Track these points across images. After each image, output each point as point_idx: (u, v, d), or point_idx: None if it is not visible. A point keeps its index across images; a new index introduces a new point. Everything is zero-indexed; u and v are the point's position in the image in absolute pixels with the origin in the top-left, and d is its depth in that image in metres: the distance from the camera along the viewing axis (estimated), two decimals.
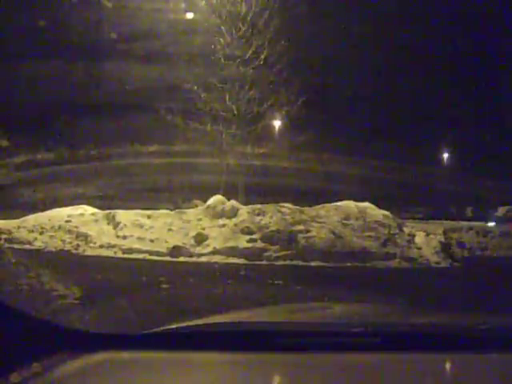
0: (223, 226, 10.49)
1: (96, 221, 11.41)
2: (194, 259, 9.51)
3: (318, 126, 21.94)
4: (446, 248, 11.07)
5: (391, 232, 11.02)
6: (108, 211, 11.95)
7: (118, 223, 10.81)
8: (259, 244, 9.87)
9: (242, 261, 9.38)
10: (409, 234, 11.45)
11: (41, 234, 10.84)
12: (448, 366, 1.48)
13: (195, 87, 17.17)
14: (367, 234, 10.74)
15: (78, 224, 11.10)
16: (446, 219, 24.15)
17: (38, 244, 10.42)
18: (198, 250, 9.78)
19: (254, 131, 18.68)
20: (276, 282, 7.13)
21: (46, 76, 18.17)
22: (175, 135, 19.00)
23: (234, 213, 11.03)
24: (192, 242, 10.00)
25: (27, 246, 10.29)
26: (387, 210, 12.41)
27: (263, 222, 10.47)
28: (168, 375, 1.31)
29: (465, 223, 18.37)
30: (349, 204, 12.38)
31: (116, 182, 19.59)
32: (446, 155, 36.77)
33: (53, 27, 17.59)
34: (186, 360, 1.37)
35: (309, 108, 18.95)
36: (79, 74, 19.38)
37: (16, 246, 10.14)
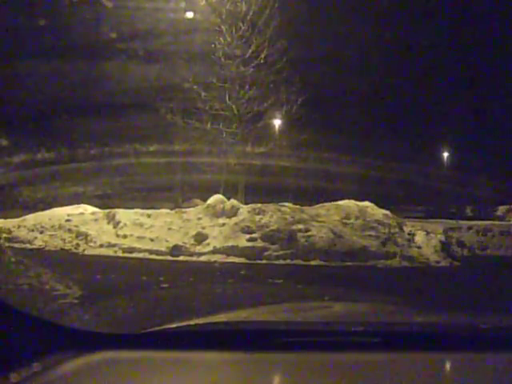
0: (223, 225, 10.49)
1: (96, 220, 11.41)
2: (194, 258, 9.51)
3: (317, 125, 21.96)
4: (445, 247, 11.07)
5: (391, 231, 11.02)
6: (108, 210, 11.95)
7: (118, 222, 10.81)
8: (259, 243, 9.86)
9: (242, 260, 9.38)
10: (409, 233, 11.45)
11: (41, 233, 10.85)
12: (448, 365, 1.48)
13: (195, 86, 17.16)
14: (367, 233, 10.74)
15: (78, 223, 11.11)
16: (446, 218, 24.12)
17: (38, 243, 10.43)
18: (198, 249, 9.78)
19: (253, 130, 18.67)
20: (276, 281, 7.13)
21: (45, 76, 18.16)
22: (175, 135, 19.00)
23: (233, 212, 11.03)
24: (192, 241, 10.00)
25: (27, 245, 10.30)
26: (387, 209, 12.41)
27: (263, 221, 10.46)
28: (168, 375, 1.31)
29: (465, 222, 18.36)
30: (349, 203, 12.38)
31: (116, 182, 19.60)
32: (446, 155, 36.77)
33: (53, 27, 17.58)
34: (186, 360, 1.37)
35: (309, 107, 18.97)
36: (79, 74, 19.37)
37: (16, 245, 10.14)
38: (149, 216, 11.13)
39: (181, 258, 9.52)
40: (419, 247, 10.77)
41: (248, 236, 10.00)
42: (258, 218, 10.64)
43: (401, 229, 11.54)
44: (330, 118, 25.65)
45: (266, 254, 9.65)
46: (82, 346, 1.37)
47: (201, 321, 1.55)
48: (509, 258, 11.16)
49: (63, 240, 10.49)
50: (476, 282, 8.27)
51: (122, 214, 11.24)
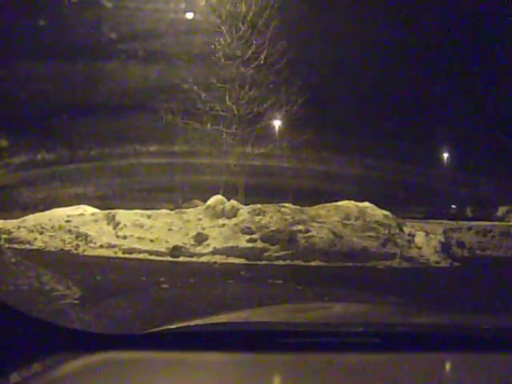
0: (223, 225, 10.49)
1: (96, 221, 11.41)
2: (194, 259, 9.50)
3: (317, 125, 21.95)
4: (445, 248, 11.07)
5: (391, 232, 11.01)
6: (108, 211, 11.95)
7: (118, 223, 10.81)
8: (259, 244, 9.86)
9: (242, 261, 9.38)
10: (409, 234, 11.44)
11: (41, 233, 10.85)
12: (448, 365, 1.48)
13: (195, 87, 17.17)
14: (367, 233, 10.73)
15: (78, 224, 11.10)
16: (446, 219, 24.14)
17: (38, 244, 10.43)
18: (198, 249, 9.77)
19: (253, 131, 18.68)
20: (276, 281, 7.12)
21: (45, 76, 18.17)
22: (175, 135, 19.00)
23: (234, 213, 11.02)
24: (192, 241, 10.00)
25: (27, 246, 10.30)
26: (387, 209, 12.41)
27: (263, 222, 10.46)
28: (168, 375, 1.31)
29: (465, 223, 18.36)
30: (349, 204, 12.38)
31: (116, 182, 19.60)
32: (446, 155, 36.79)
33: (53, 27, 17.60)
34: (186, 360, 1.37)
35: (309, 108, 18.97)
36: (79, 74, 19.38)
37: (16, 246, 10.15)
38: (149, 217, 11.13)
39: (181, 258, 9.51)
40: (419, 248, 10.76)
41: (248, 237, 10.00)
42: (258, 218, 10.64)
43: (401, 229, 11.53)
44: (330, 119, 25.67)
45: (266, 254, 9.65)
46: (82, 346, 1.37)
47: (201, 321, 1.55)
48: (509, 259, 11.16)
49: (63, 241, 10.49)
50: (476, 282, 8.27)
51: (122, 215, 11.24)
